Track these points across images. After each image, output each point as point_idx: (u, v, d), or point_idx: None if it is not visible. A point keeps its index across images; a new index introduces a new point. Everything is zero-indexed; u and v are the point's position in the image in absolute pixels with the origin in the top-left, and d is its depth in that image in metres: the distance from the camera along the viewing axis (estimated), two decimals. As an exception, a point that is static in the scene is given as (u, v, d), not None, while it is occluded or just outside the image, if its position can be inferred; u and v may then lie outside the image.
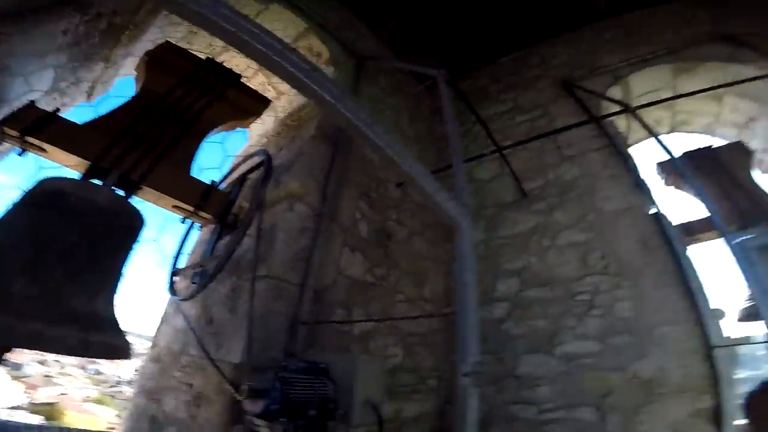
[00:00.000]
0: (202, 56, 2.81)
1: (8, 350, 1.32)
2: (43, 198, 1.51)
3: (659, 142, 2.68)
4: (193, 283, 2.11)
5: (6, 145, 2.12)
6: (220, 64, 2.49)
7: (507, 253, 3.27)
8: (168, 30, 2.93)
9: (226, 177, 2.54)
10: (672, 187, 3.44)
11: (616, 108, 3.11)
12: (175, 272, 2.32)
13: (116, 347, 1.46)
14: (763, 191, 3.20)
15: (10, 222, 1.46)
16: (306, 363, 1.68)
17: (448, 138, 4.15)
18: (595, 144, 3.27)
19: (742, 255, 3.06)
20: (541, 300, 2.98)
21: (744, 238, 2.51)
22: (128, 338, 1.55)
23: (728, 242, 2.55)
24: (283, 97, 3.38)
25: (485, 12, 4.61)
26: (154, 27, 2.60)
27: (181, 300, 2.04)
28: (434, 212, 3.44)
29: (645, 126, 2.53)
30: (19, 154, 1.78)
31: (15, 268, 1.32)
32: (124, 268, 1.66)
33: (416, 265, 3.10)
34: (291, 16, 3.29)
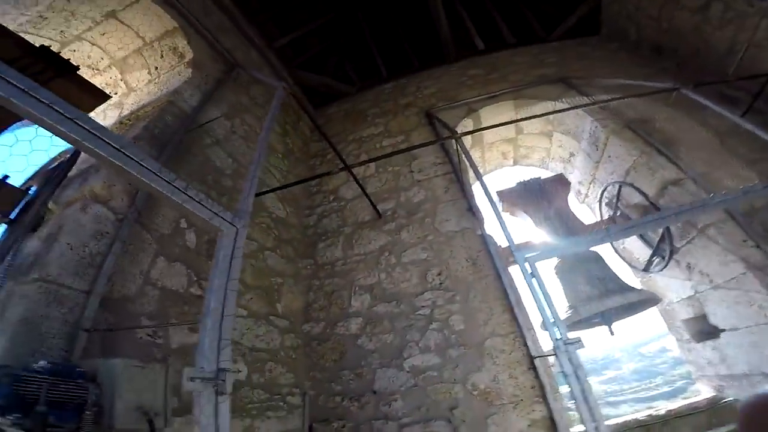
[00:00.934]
0: (46, 43, 2.65)
1: None
2: None
3: (477, 173, 3.10)
4: None
5: None
6: (55, 53, 2.36)
7: (361, 270, 3.45)
8: (11, 13, 2.70)
9: (37, 173, 2.39)
10: (507, 213, 3.99)
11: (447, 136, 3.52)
12: None
13: None
14: (574, 216, 3.86)
15: None
16: (56, 365, 1.64)
17: (323, 155, 4.41)
18: (440, 170, 3.69)
19: (559, 271, 3.65)
20: (389, 315, 3.16)
21: (528, 255, 2.93)
22: None
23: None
24: (132, 95, 3.26)
25: (380, 38, 4.98)
26: None
27: None
28: (294, 228, 3.61)
29: (465, 152, 2.93)
30: None
31: None
32: None
33: (266, 280, 3.14)
34: (161, 12, 3.21)
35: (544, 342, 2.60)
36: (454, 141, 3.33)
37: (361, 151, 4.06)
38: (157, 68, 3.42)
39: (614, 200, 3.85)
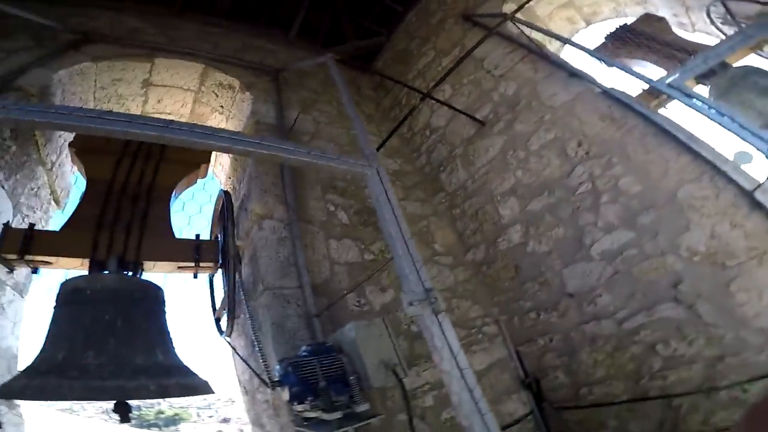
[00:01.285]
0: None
1: (124, 406, 1.60)
2: (68, 296, 1.80)
3: (558, 37, 2.77)
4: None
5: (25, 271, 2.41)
6: None
7: (493, 179, 3.33)
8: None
9: (212, 226, 2.80)
10: (620, 60, 3.50)
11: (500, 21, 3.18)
12: (216, 318, 2.61)
13: (191, 385, 1.76)
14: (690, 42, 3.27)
15: (56, 319, 1.77)
16: (311, 346, 1.91)
17: (397, 104, 4.38)
18: (516, 57, 3.40)
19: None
20: (547, 208, 2.89)
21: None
22: (201, 377, 1.82)
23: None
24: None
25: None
26: None
27: (226, 336, 2.32)
28: (412, 174, 3.71)
29: (529, 24, 2.65)
30: (34, 272, 2.07)
31: (77, 346, 1.65)
32: (165, 326, 1.93)
33: (414, 227, 3.24)
34: (181, 62, 3.40)
35: (754, 170, 2.07)
36: (511, 24, 3.03)
37: (427, 82, 3.95)
38: (222, 106, 3.70)
39: (727, 16, 3.15)
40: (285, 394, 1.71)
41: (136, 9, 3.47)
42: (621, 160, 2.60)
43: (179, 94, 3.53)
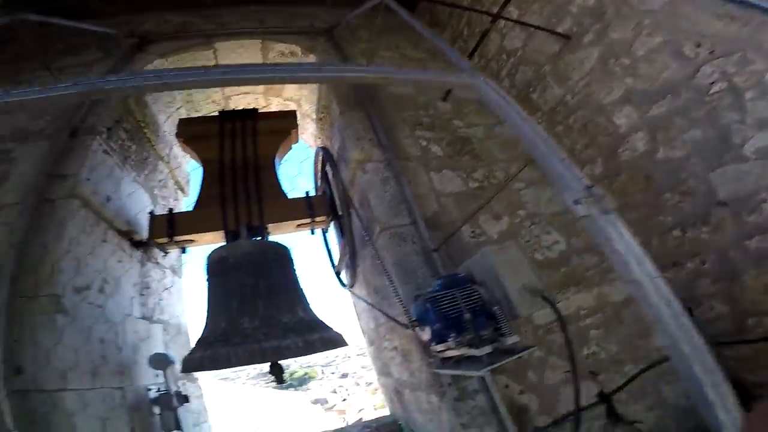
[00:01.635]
0: (217, 109, 3.14)
1: (279, 368, 1.72)
2: (215, 266, 1.92)
3: None
4: (349, 270, 2.46)
5: (174, 253, 2.72)
6: (235, 110, 2.70)
7: (597, 89, 2.80)
8: (170, 110, 3.28)
9: (315, 182, 2.88)
10: None
11: None
12: (337, 271, 2.73)
13: (332, 339, 1.81)
14: None
15: (211, 290, 1.92)
16: (443, 279, 1.71)
17: (456, 39, 3.96)
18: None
19: None
20: (675, 111, 2.41)
21: None
22: (336, 331, 1.87)
23: None
24: (303, 99, 3.58)
25: None
26: (159, 114, 2.94)
27: (349, 288, 2.38)
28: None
29: None
30: (183, 252, 2.29)
31: (233, 314, 1.78)
32: (299, 284, 2.02)
33: (516, 150, 2.89)
34: (239, 42, 3.35)
35: None
36: None
37: (487, 7, 3.45)
38: None
39: None
40: (425, 334, 1.60)
41: (176, 6, 3.53)
42: (758, 56, 2.05)
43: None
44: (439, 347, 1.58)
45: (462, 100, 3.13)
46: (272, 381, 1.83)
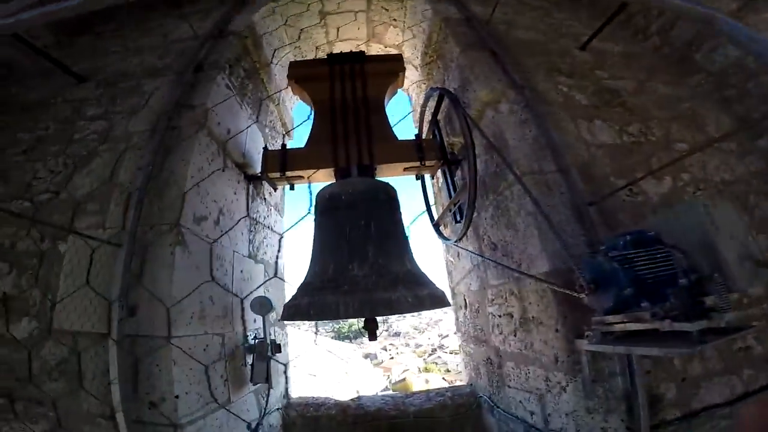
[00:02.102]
0: (322, 56, 3.04)
1: (375, 323, 1.54)
2: (326, 203, 1.78)
3: None
4: (457, 222, 2.20)
5: (278, 192, 2.73)
6: (344, 53, 2.57)
7: None
8: (279, 54, 3.22)
9: (420, 129, 2.66)
10: None
11: None
12: (436, 223, 2.50)
13: (439, 298, 1.60)
14: None
15: (320, 229, 1.77)
16: (629, 235, 1.35)
17: None
18: None
19: None
20: None
21: None
22: (440, 288, 1.65)
23: None
24: (405, 45, 3.32)
25: None
26: (271, 58, 2.89)
27: (456, 242, 2.13)
28: (641, 56, 2.84)
29: None
30: (291, 189, 2.23)
31: (343, 257, 1.62)
32: (405, 231, 1.82)
33: (675, 109, 2.44)
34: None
35: None
36: None
37: None
38: (395, 19, 3.34)
39: None
40: (604, 300, 1.30)
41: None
42: None
43: (352, 18, 3.40)
44: (613, 318, 1.29)
45: (604, 51, 2.63)
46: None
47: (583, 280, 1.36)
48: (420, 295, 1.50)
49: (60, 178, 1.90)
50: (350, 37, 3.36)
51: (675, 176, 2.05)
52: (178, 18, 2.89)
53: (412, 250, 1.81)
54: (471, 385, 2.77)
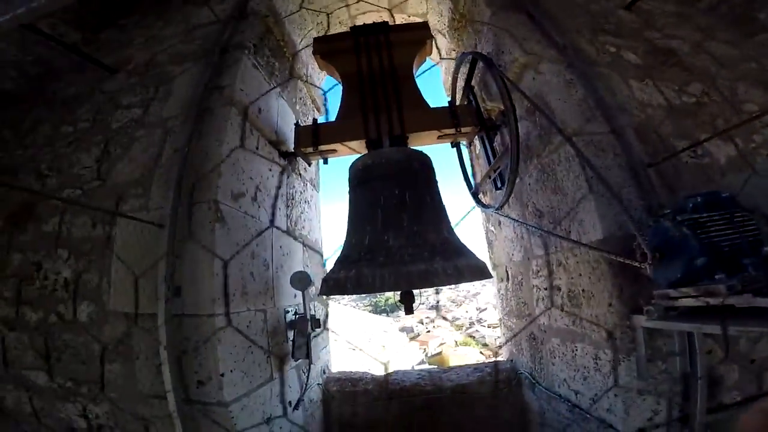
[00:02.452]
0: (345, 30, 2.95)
1: (412, 296, 1.50)
2: (359, 174, 1.74)
3: None
4: (498, 189, 2.12)
5: (313, 167, 2.72)
6: (367, 25, 2.49)
7: None
8: (302, 32, 3.15)
9: (453, 98, 2.55)
10: None
11: None
12: (475, 191, 2.43)
13: (479, 268, 1.52)
14: None
15: (354, 201, 1.75)
16: (700, 196, 1.21)
17: None
18: None
19: None
20: None
21: None
22: (479, 258, 1.58)
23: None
24: (430, 13, 3.17)
25: None
26: (294, 35, 2.83)
27: (497, 209, 2.05)
28: (696, 16, 2.59)
29: None
30: (325, 163, 2.21)
31: (378, 228, 1.59)
32: (441, 199, 1.76)
33: (738, 69, 2.21)
34: None
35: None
36: None
37: None
38: None
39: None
40: (671, 271, 1.16)
41: None
42: None
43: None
44: (680, 291, 1.14)
45: (652, 11, 2.41)
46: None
47: (646, 247, 1.22)
48: (459, 266, 1.44)
49: (105, 166, 1.97)
50: (371, 9, 3.23)
51: (746, 138, 1.85)
52: (197, 5, 2.88)
53: (450, 219, 1.75)
54: (511, 360, 2.71)
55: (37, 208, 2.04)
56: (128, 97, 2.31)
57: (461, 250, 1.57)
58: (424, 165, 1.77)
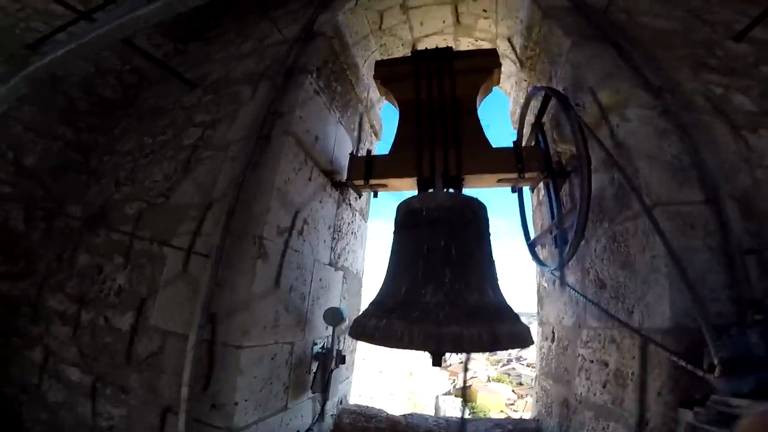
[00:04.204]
0: (407, 52, 2.88)
1: (442, 355, 1.41)
2: (406, 218, 1.66)
3: None
4: (556, 247, 1.90)
5: (364, 197, 2.70)
6: (430, 50, 2.39)
7: None
8: (366, 53, 3.13)
9: (520, 133, 2.37)
10: None
11: None
12: (532, 243, 2.23)
13: (520, 335, 1.41)
14: None
15: (397, 245, 1.67)
16: None
17: None
18: None
19: None
20: None
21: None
22: (525, 324, 1.46)
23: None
24: (499, 39, 2.97)
25: None
26: (357, 57, 2.80)
27: (554, 270, 1.83)
28: None
29: None
30: (374, 196, 2.17)
31: (417, 279, 1.50)
32: (492, 255, 1.62)
33: None
34: None
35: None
36: None
37: None
38: (485, 10, 3.03)
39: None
40: (740, 384, 0.98)
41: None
42: None
43: (437, 12, 3.16)
44: (742, 402, 0.96)
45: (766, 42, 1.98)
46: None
47: (718, 360, 1.03)
48: (497, 332, 1.33)
49: (171, 183, 2.10)
50: (436, 32, 3.12)
51: None
52: (271, 21, 2.99)
53: (497, 276, 1.62)
54: (538, 421, 2.47)
55: (111, 214, 2.25)
56: (201, 114, 2.44)
57: (503, 314, 1.45)
58: (477, 215, 1.64)
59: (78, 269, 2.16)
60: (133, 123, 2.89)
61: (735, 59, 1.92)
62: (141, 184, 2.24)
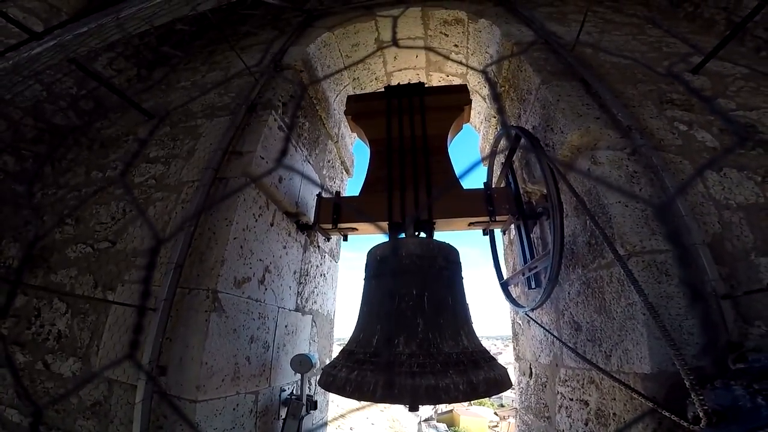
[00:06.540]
0: (381, 87, 2.86)
1: (416, 409, 1.35)
2: (376, 266, 1.58)
3: None
4: (530, 288, 1.84)
5: (333, 240, 2.57)
6: (402, 85, 2.37)
7: None
8: (338, 87, 3.11)
9: (490, 171, 2.33)
10: None
11: None
12: (505, 282, 2.16)
13: (498, 380, 1.36)
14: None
15: (368, 294, 1.58)
16: None
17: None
18: None
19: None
20: None
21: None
22: (502, 366, 1.43)
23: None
24: (470, 73, 3.00)
25: None
26: (329, 91, 2.75)
27: (530, 311, 1.76)
28: None
29: None
30: (344, 240, 2.05)
31: (389, 330, 1.42)
32: (465, 299, 1.55)
33: None
34: (397, 9, 2.91)
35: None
36: None
37: None
38: (456, 45, 3.11)
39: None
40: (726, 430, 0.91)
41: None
42: None
43: (409, 51, 3.18)
44: None
45: (722, 74, 2.08)
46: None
47: (703, 412, 0.99)
48: (474, 380, 1.28)
49: (118, 226, 1.92)
50: (409, 66, 3.13)
51: None
52: (240, 51, 2.90)
53: (472, 321, 1.56)
54: None
55: (52, 257, 2.02)
56: (156, 148, 2.26)
57: (480, 361, 1.39)
58: (449, 262, 1.57)
59: (13, 310, 1.92)
60: (84, 153, 2.67)
61: (694, 92, 1.99)
62: (86, 224, 2.03)
